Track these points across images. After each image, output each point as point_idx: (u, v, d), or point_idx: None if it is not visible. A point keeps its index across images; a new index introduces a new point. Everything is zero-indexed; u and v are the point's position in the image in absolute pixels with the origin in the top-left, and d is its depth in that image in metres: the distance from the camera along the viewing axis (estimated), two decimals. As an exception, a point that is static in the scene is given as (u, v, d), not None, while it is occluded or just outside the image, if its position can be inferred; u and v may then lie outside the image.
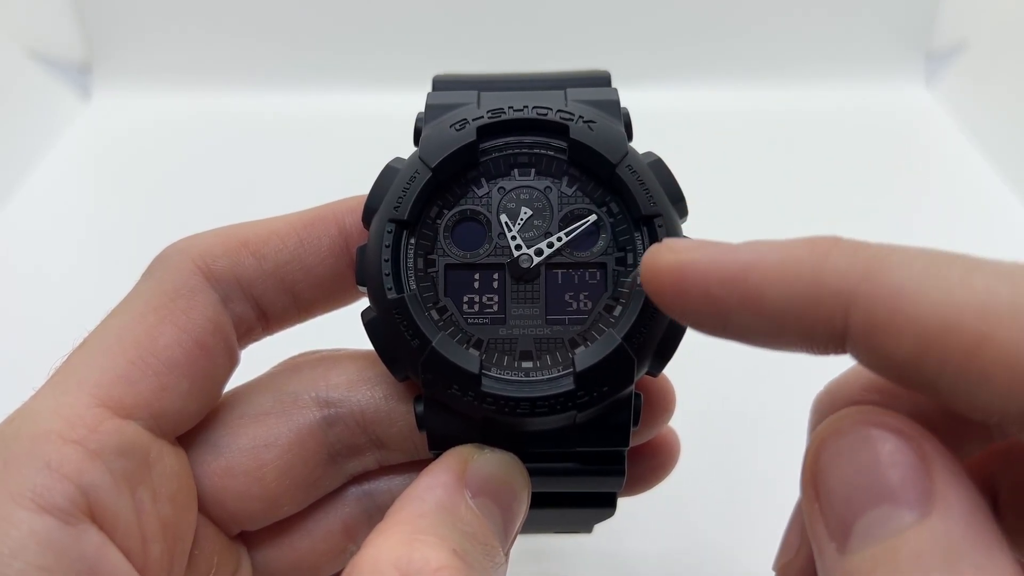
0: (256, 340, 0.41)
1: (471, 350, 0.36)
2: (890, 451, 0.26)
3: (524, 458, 0.37)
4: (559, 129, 0.37)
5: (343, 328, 0.45)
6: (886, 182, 0.99)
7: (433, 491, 0.33)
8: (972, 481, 0.25)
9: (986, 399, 0.24)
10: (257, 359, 0.42)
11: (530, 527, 0.38)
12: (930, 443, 0.26)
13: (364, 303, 0.38)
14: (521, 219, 0.38)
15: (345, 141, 1.05)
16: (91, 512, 0.31)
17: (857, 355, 0.26)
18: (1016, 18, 1.07)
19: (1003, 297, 0.23)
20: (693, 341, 0.52)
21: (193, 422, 0.37)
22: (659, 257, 0.29)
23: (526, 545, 0.38)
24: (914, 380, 0.25)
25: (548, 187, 0.38)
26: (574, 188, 0.38)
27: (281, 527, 0.40)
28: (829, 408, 0.35)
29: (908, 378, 0.25)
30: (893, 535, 0.25)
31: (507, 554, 0.35)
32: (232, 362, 0.39)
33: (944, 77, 1.14)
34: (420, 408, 0.37)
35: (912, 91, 1.14)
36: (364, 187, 0.39)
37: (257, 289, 0.38)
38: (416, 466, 0.40)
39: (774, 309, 0.27)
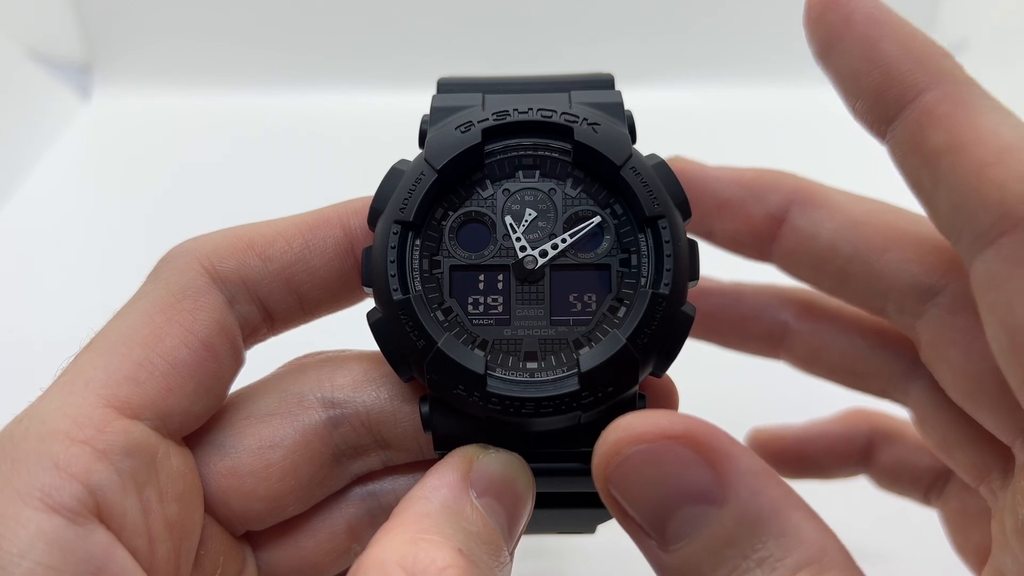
0: (261, 341, 0.41)
1: (476, 351, 0.37)
2: (679, 456, 0.30)
3: (529, 458, 0.37)
4: (564, 131, 0.38)
5: (349, 329, 0.45)
6: (887, 182, 0.99)
7: (438, 491, 0.34)
8: (757, 455, 0.30)
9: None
10: (263, 360, 0.42)
11: (534, 527, 0.38)
12: (711, 435, 0.30)
13: (369, 303, 0.38)
14: (526, 220, 0.38)
15: (348, 142, 1.05)
16: (99, 512, 0.31)
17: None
18: (1016, 18, 1.07)
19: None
20: (697, 342, 0.52)
21: (199, 422, 0.37)
22: None
23: (525, 543, 0.38)
24: None
25: (552, 189, 0.38)
26: (578, 190, 0.38)
27: (286, 527, 0.41)
28: None
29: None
30: (703, 527, 0.30)
31: (512, 554, 0.35)
32: (238, 363, 0.39)
33: (944, 77, 1.14)
34: (426, 408, 0.37)
35: (912, 91, 1.14)
36: (368, 188, 0.39)
37: (263, 290, 0.38)
38: (421, 466, 0.41)
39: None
